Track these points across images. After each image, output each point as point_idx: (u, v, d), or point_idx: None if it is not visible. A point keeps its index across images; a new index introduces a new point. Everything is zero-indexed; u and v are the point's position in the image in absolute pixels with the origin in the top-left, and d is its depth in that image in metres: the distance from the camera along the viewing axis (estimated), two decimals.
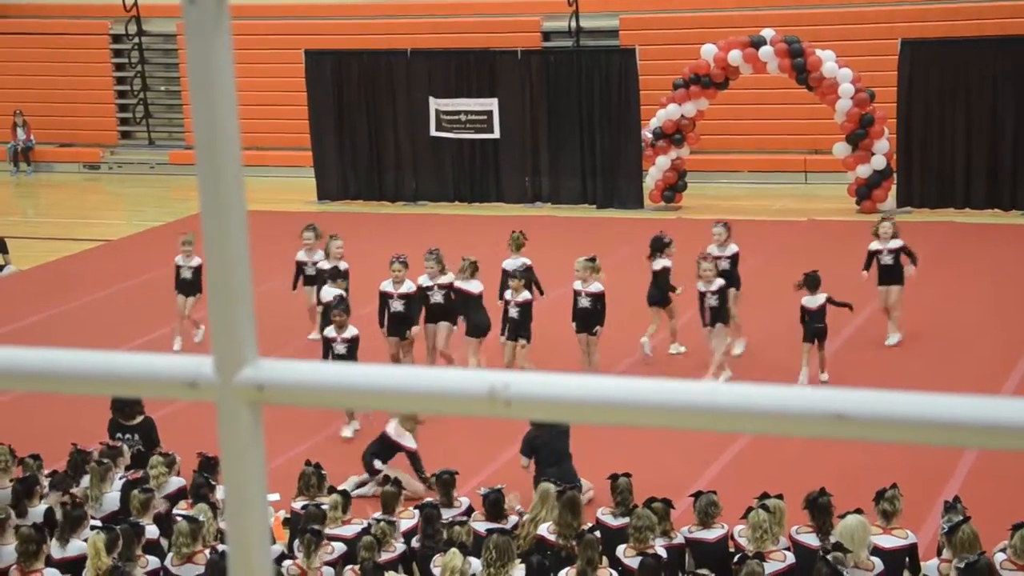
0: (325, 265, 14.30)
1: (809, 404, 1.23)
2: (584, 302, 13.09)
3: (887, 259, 14.10)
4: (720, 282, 13.22)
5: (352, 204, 22.87)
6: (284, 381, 1.38)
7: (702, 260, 13.36)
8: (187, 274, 14.76)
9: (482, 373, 1.37)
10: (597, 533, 8.59)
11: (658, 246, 14.01)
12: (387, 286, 13.26)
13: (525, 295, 13.09)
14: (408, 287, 13.16)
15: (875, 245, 14.20)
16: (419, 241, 16.21)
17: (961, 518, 8.18)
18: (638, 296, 15.08)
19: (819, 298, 13.18)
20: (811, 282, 13.18)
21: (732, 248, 14.20)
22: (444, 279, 13.42)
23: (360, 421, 12.44)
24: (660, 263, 13.95)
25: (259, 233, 16.26)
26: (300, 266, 15.03)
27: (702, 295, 13.15)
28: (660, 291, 13.94)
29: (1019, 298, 15.68)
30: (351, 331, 12.29)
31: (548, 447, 10.31)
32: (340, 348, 12.29)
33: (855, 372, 13.46)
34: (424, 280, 13.36)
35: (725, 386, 1.28)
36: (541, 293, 13.95)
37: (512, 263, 13.75)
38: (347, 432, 12.37)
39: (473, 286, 13.31)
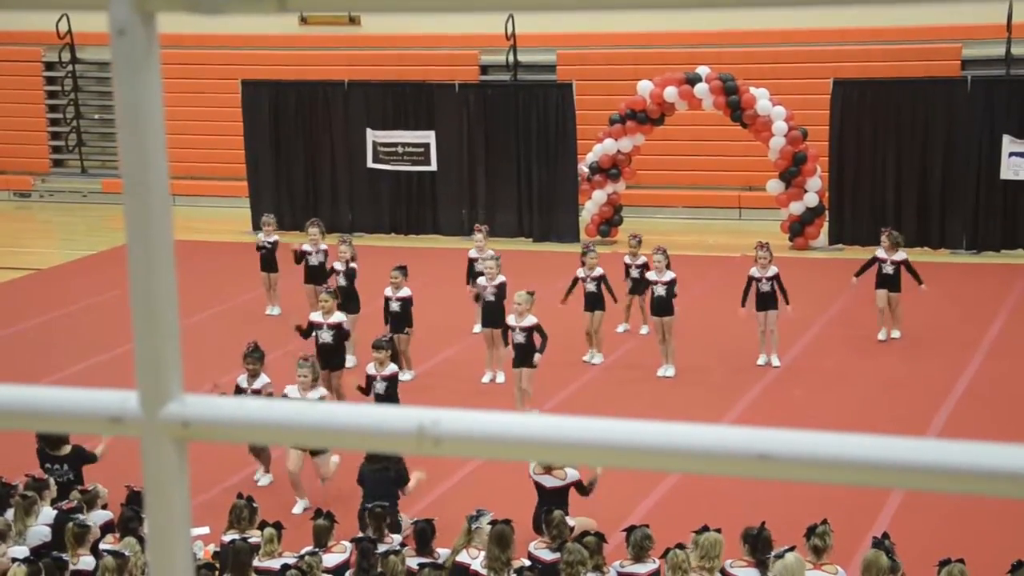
0: (339, 266, 15.46)
1: (732, 444, 1.24)
2: (519, 337, 12.99)
3: (888, 268, 15.29)
4: (775, 269, 14.57)
5: (287, 235, 22.73)
6: (209, 417, 1.37)
7: (758, 249, 14.64)
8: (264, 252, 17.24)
9: (411, 410, 1.36)
10: (533, 570, 8.56)
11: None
12: (316, 316, 13.21)
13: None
14: (338, 318, 13.11)
15: (880, 253, 15.39)
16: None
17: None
18: (572, 330, 15.14)
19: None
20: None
21: (669, 275, 14.67)
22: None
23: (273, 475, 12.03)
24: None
25: (193, 263, 16.22)
26: (304, 255, 16.54)
27: (755, 280, 14.55)
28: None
29: (947, 339, 15.90)
30: (263, 379, 11.74)
31: (374, 483, 10.32)
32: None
33: (779, 411, 13.56)
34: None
35: (652, 425, 1.29)
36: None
37: None
38: (263, 480, 11.96)
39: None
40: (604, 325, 15.13)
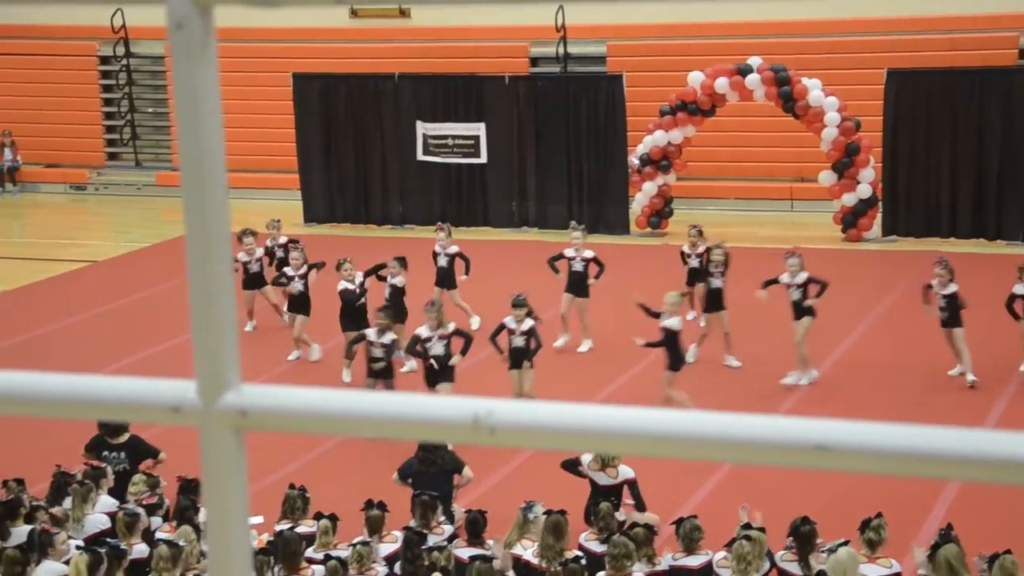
0: (291, 271, 15.34)
1: (789, 434, 1.23)
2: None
3: (941, 303, 13.79)
4: (804, 275, 13.92)
5: (339, 227, 22.88)
6: (267, 407, 1.38)
7: (790, 256, 14.05)
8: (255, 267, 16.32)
9: (466, 400, 1.37)
10: (583, 561, 8.58)
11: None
12: (371, 334, 13.16)
13: (528, 323, 12.88)
14: (389, 338, 13.06)
15: (934, 284, 13.93)
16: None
17: (938, 541, 8.21)
18: (619, 322, 15.11)
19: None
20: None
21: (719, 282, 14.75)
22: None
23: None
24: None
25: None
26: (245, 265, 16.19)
27: (787, 286, 13.97)
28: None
29: (1003, 329, 15.71)
30: (389, 335, 12.95)
31: (426, 477, 10.31)
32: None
33: (831, 402, 13.47)
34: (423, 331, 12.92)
35: (707, 415, 1.28)
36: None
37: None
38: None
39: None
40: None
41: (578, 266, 15.05)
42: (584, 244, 15.25)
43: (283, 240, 16.70)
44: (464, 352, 12.67)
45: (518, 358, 12.89)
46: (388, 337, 13.00)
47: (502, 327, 12.94)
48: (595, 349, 15.22)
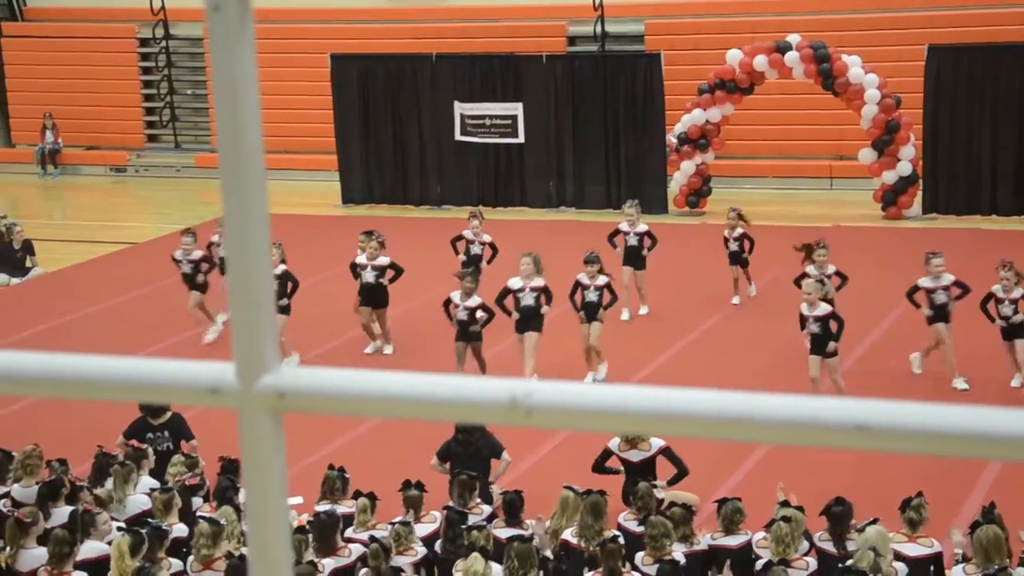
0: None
1: (831, 414, 1.22)
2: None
3: (1007, 310, 12.69)
4: (950, 277, 12.79)
5: (377, 208, 22.93)
6: (305, 388, 1.38)
7: (933, 257, 12.87)
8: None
9: (504, 381, 1.37)
10: (620, 540, 8.59)
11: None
12: (456, 297, 13.35)
13: (602, 278, 13.39)
14: (475, 301, 13.22)
15: (997, 291, 12.73)
16: (443, 245, 16.25)
17: (979, 519, 8.18)
18: (665, 298, 15.08)
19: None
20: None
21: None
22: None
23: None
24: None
25: (284, 237, 16.25)
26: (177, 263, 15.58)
27: (930, 291, 12.86)
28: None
29: None
30: (475, 300, 13.09)
31: (464, 459, 10.35)
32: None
33: (876, 383, 13.40)
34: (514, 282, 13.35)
35: (746, 395, 1.28)
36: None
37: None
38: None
39: None
40: (706, 295, 15.10)
41: (633, 240, 15.41)
42: (638, 220, 15.54)
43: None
44: (549, 303, 13.23)
45: (592, 312, 13.30)
46: (474, 301, 13.20)
47: (577, 285, 13.38)
48: (640, 323, 15.27)
